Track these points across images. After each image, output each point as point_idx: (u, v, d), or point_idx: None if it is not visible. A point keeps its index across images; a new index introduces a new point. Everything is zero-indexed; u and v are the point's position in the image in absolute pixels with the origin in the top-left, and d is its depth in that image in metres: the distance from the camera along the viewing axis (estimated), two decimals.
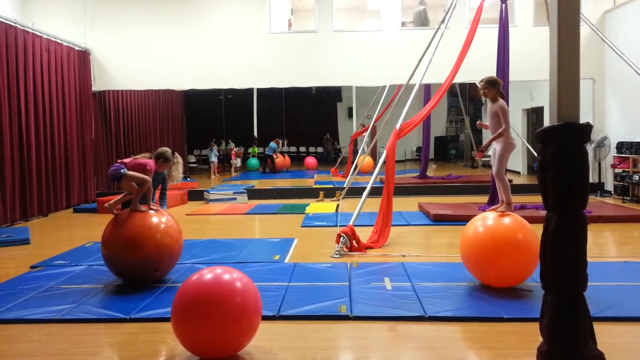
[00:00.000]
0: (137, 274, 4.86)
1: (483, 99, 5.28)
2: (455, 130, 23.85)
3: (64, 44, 10.70)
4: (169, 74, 11.83)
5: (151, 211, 5.02)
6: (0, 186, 8.50)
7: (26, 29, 9.47)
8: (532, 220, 5.01)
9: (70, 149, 10.56)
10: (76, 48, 11.17)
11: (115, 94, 12.67)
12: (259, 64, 11.78)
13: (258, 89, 17.04)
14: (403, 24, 12.20)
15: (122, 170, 4.95)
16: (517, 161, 15.50)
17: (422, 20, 12.34)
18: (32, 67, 9.47)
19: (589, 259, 2.59)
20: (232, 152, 18.04)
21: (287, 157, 18.62)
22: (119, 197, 5.27)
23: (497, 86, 5.31)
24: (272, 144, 17.48)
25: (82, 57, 11.39)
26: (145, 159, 5.21)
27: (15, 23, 9.15)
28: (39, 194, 9.52)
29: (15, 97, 8.97)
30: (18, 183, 8.91)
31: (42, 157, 9.64)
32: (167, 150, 5.43)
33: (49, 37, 10.17)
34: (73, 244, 7.02)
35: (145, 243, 4.75)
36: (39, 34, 9.81)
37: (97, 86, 11.83)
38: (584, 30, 10.54)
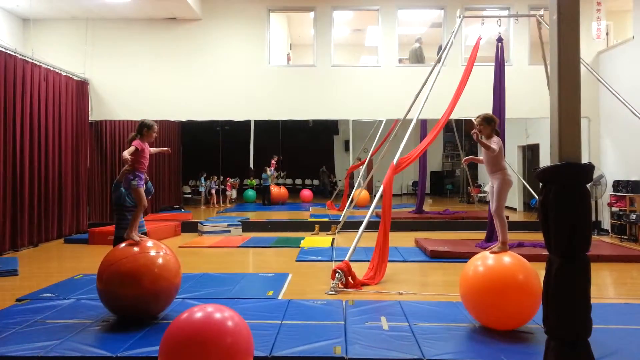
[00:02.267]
0: (133, 310, 4.66)
1: (475, 137, 5.23)
2: (451, 166, 23.93)
3: (63, 73, 10.75)
4: (167, 105, 11.87)
5: (149, 243, 4.91)
6: None
7: (25, 58, 9.52)
8: (529, 258, 4.91)
9: (64, 177, 10.48)
10: (75, 78, 11.22)
11: (112, 124, 12.67)
12: (257, 97, 11.86)
13: (255, 121, 17.09)
14: (400, 60, 12.36)
15: (132, 182, 5.03)
16: (514, 198, 15.49)
17: (417, 57, 12.52)
18: (30, 96, 9.48)
19: (592, 301, 2.51)
20: (228, 183, 17.96)
21: (283, 188, 18.53)
22: (130, 225, 5.12)
23: (493, 124, 5.32)
24: (264, 174, 17.40)
25: (81, 87, 11.43)
26: (130, 144, 5.14)
27: (15, 52, 9.20)
28: (30, 223, 9.38)
29: (11, 125, 8.93)
30: (10, 211, 8.78)
31: (35, 186, 9.54)
32: (142, 120, 5.38)
33: (48, 67, 10.22)
34: (62, 276, 6.86)
35: (143, 279, 4.56)
36: (37, 63, 9.86)
37: (94, 116, 11.84)
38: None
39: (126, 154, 4.99)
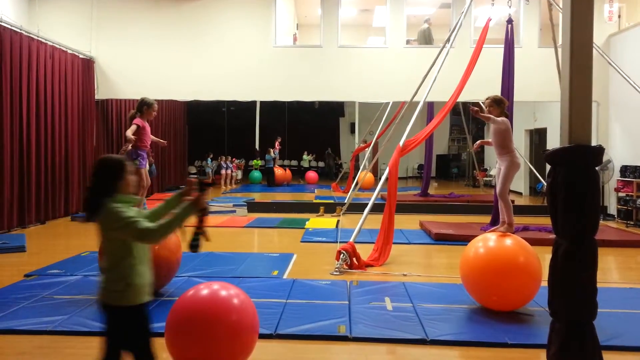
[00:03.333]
0: None
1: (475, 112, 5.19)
2: (458, 149, 23.83)
3: (69, 51, 10.70)
4: (173, 84, 11.82)
5: None
6: None
7: (31, 35, 9.48)
8: (534, 242, 4.93)
9: (70, 156, 10.51)
10: (81, 56, 11.17)
11: (118, 103, 12.66)
12: (263, 77, 11.78)
13: (261, 102, 17.03)
14: (408, 41, 12.22)
15: (135, 162, 5.15)
16: (520, 182, 15.43)
17: (426, 38, 12.37)
18: (36, 74, 9.46)
19: (598, 285, 2.51)
20: (233, 164, 17.98)
21: (287, 171, 18.54)
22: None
23: (503, 105, 5.29)
24: (267, 156, 17.38)
25: (87, 66, 11.39)
26: (131, 123, 5.20)
27: (20, 29, 9.15)
28: (37, 200, 9.44)
29: (17, 103, 8.94)
30: (17, 189, 8.83)
31: (42, 164, 9.57)
32: (141, 99, 5.44)
33: (54, 45, 10.17)
34: (69, 253, 6.92)
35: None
36: (43, 41, 9.82)
37: (100, 94, 11.82)
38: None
39: (129, 133, 5.04)
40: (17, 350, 3.77)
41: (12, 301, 4.73)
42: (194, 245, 2.59)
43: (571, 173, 2.44)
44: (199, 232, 2.59)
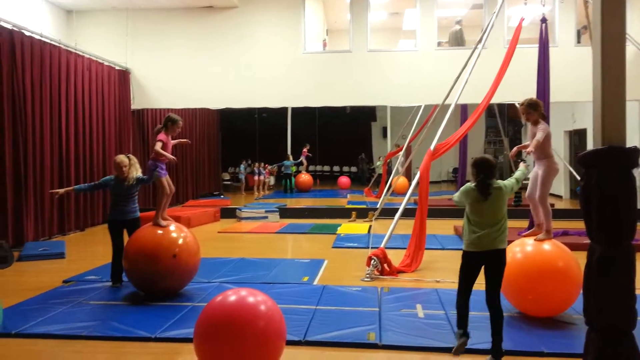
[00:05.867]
0: (154, 285, 5.07)
1: (523, 121, 5.05)
2: (494, 152, 23.32)
3: (105, 63, 11.03)
4: (205, 93, 12.01)
5: (172, 226, 5.26)
6: (40, 200, 8.73)
7: (69, 49, 9.82)
8: (574, 247, 4.76)
9: (108, 165, 10.80)
10: (117, 68, 11.50)
11: (153, 112, 12.95)
12: (294, 84, 11.84)
13: (292, 108, 17.12)
14: (439, 43, 12.06)
15: (155, 172, 5.35)
16: (560, 185, 14.97)
17: (458, 40, 12.18)
18: (74, 86, 9.79)
19: (638, 292, 2.39)
20: (266, 170, 18.11)
21: (308, 176, 18.49)
22: (156, 211, 5.38)
23: (539, 108, 5.08)
24: (286, 162, 17.34)
25: (122, 77, 11.72)
26: (156, 138, 5.38)
27: (59, 43, 9.50)
28: (77, 208, 9.74)
29: (57, 114, 9.27)
30: (57, 198, 9.12)
31: (80, 172, 9.89)
32: (168, 115, 5.61)
33: (91, 57, 10.51)
34: (107, 259, 7.02)
35: (163, 256, 4.95)
36: (81, 53, 10.15)
37: (136, 104, 12.13)
38: (630, 50, 10.16)
39: (160, 150, 5.25)
40: (54, 355, 3.88)
41: (50, 306, 4.87)
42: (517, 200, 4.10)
43: (605, 175, 2.35)
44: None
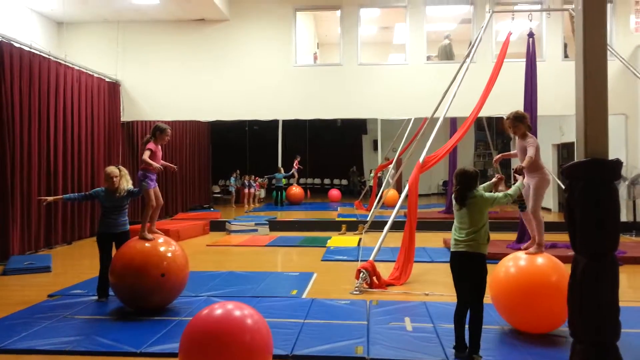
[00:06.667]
0: (141, 300, 4.99)
1: (511, 134, 5.07)
2: (483, 165, 23.46)
3: (95, 75, 11.01)
4: (196, 105, 12.02)
5: (160, 239, 5.20)
6: (26, 213, 8.64)
7: (59, 60, 9.79)
8: (563, 260, 4.75)
9: (97, 177, 10.72)
10: (107, 79, 11.48)
11: (144, 125, 12.91)
12: (284, 96, 11.88)
13: (283, 121, 17.15)
14: (428, 57, 12.18)
15: (143, 183, 5.32)
16: (549, 198, 15.07)
17: (447, 54, 12.30)
18: (64, 97, 9.75)
19: (623, 304, 2.39)
20: (257, 183, 18.06)
21: (300, 189, 18.45)
22: (142, 224, 5.32)
23: (525, 121, 5.08)
24: (277, 175, 17.26)
25: (112, 89, 11.69)
26: (145, 148, 5.35)
27: (49, 55, 9.47)
28: (64, 221, 9.64)
29: (45, 126, 9.21)
30: (44, 210, 9.03)
31: (68, 185, 9.80)
32: (156, 124, 5.59)
33: (81, 69, 10.48)
34: (93, 273, 6.95)
35: (150, 272, 4.89)
36: (71, 65, 10.13)
37: (125, 116, 12.09)
38: (616, 64, 10.32)
39: (147, 159, 5.21)
40: None
41: (35, 321, 4.79)
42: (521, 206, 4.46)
43: (588, 187, 2.36)
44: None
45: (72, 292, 5.99)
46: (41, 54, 9.23)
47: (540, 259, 4.41)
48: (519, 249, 5.08)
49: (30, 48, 8.94)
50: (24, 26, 10.34)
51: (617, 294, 2.35)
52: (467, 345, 3.83)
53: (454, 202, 3.98)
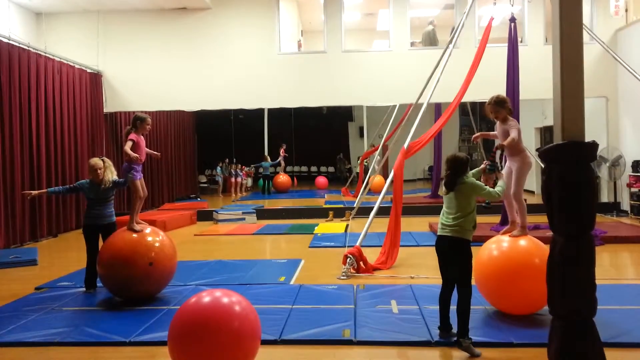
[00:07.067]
0: (130, 290, 5.03)
1: (492, 118, 5.11)
2: (468, 149, 23.65)
3: (76, 66, 10.86)
4: (180, 95, 11.93)
5: (147, 230, 5.21)
6: (10, 207, 8.56)
7: (39, 52, 9.64)
8: (546, 241, 4.82)
9: (80, 169, 10.63)
10: (88, 70, 11.34)
11: (127, 115, 12.78)
12: (269, 85, 11.84)
13: (269, 109, 17.10)
14: (412, 43, 12.21)
15: (129, 175, 5.32)
16: (532, 181, 15.27)
17: (431, 40, 12.34)
18: (45, 89, 9.61)
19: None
20: (243, 172, 18.03)
21: (287, 177, 18.45)
22: (130, 216, 5.32)
23: (506, 105, 5.09)
24: (264, 163, 17.22)
25: (94, 80, 11.55)
26: (127, 139, 5.35)
27: (28, 47, 9.32)
28: (49, 214, 9.56)
29: (27, 118, 9.09)
30: (28, 203, 8.95)
31: (52, 177, 9.70)
32: (135, 114, 5.61)
33: (62, 60, 10.33)
34: (80, 265, 6.93)
35: (138, 261, 4.92)
36: (51, 56, 9.98)
37: (108, 108, 11.97)
38: (596, 48, 10.46)
39: (128, 149, 5.20)
40: None
41: (22, 314, 4.79)
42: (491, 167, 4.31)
43: (565, 170, 2.43)
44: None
45: (59, 284, 5.98)
46: (20, 45, 9.08)
47: (522, 242, 4.46)
48: (503, 231, 5.14)
49: (9, 40, 8.79)
50: (2, 17, 10.15)
51: (594, 272, 2.43)
52: (452, 325, 3.92)
53: (442, 186, 4.02)
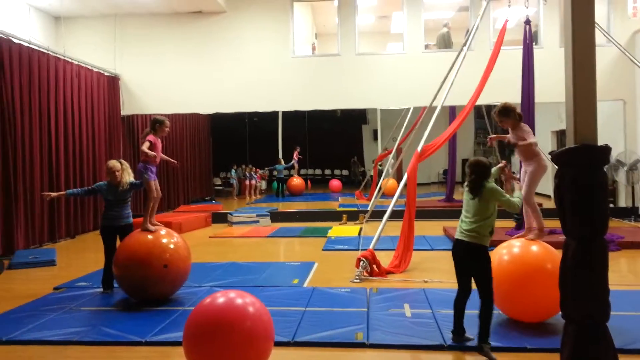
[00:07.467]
0: (145, 291, 5.09)
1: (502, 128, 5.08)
2: (483, 153, 23.48)
3: (94, 69, 11.05)
4: (195, 98, 12.05)
5: (162, 231, 5.28)
6: (30, 208, 8.72)
7: (58, 55, 9.83)
8: (559, 246, 4.78)
9: (98, 171, 10.80)
10: (106, 74, 11.52)
11: (144, 118, 12.96)
12: (283, 88, 11.91)
13: (283, 112, 17.18)
14: (427, 46, 12.18)
15: (145, 175, 5.39)
16: (547, 184, 15.08)
17: (445, 42, 12.30)
18: (63, 92, 9.80)
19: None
20: (257, 174, 18.12)
21: (300, 180, 18.48)
22: (144, 216, 5.40)
23: (512, 113, 4.92)
24: (278, 166, 17.30)
25: (112, 83, 11.73)
26: (145, 139, 5.44)
27: (47, 50, 9.51)
28: (67, 215, 9.73)
29: (46, 121, 9.27)
30: (47, 205, 9.12)
31: (70, 179, 9.87)
32: (153, 117, 5.70)
33: (80, 64, 10.52)
34: (97, 266, 7.04)
35: (153, 263, 4.98)
36: (69, 60, 10.16)
37: (125, 110, 12.14)
38: (613, 50, 10.33)
39: (145, 149, 5.29)
40: None
41: (41, 313, 4.89)
42: None
43: (578, 173, 2.42)
44: None
45: (77, 284, 6.09)
46: (40, 49, 9.27)
47: (534, 247, 4.34)
48: (518, 235, 5.08)
49: (29, 44, 8.98)
50: (22, 21, 10.36)
51: (607, 275, 2.42)
52: (465, 330, 3.90)
53: (466, 191, 3.93)
